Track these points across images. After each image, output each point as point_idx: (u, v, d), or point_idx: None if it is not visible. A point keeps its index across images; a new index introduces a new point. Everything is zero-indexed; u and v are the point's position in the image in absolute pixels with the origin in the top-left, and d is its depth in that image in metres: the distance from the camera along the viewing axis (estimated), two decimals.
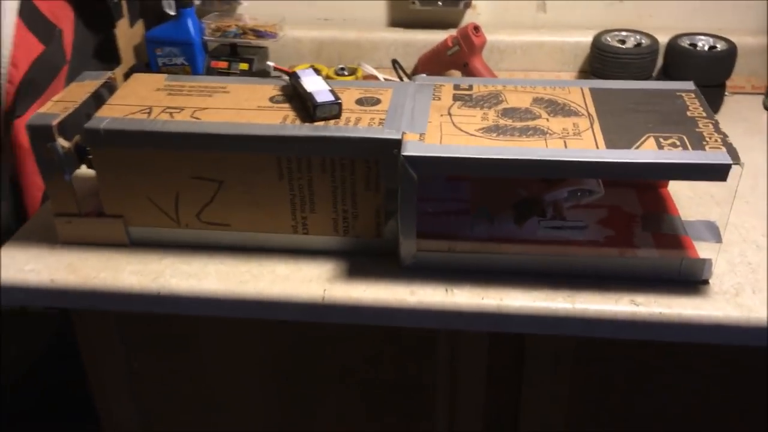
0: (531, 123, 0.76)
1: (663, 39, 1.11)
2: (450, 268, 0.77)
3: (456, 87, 0.85)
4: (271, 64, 0.86)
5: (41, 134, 0.77)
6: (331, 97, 0.77)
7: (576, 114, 0.78)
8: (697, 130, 0.74)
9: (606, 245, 0.81)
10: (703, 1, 1.17)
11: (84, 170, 0.82)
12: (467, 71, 1.11)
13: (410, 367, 0.87)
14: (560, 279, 0.76)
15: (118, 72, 1.12)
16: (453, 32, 1.12)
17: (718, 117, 0.84)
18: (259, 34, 1.12)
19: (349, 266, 0.79)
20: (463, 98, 0.82)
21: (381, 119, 0.77)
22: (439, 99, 0.82)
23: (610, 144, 0.72)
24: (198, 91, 0.83)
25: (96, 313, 0.87)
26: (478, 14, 1.21)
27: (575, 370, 0.84)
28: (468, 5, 1.18)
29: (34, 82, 1.03)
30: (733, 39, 1.10)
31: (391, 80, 1.14)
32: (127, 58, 1.13)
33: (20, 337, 1.64)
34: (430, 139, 0.73)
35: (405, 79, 1.15)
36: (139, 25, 1.17)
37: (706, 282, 0.76)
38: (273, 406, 0.93)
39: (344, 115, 0.77)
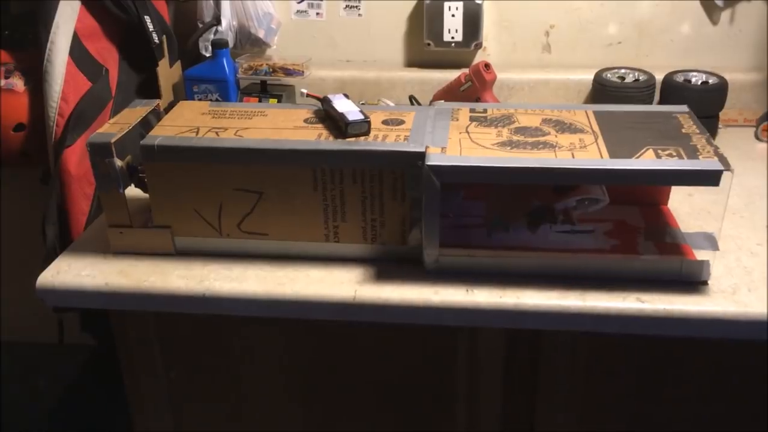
0: (541, 138, 0.84)
1: (659, 75, 1.21)
2: (470, 271, 0.85)
3: (472, 110, 0.93)
4: (304, 91, 0.94)
5: (101, 151, 0.85)
6: (361, 116, 0.85)
7: (581, 131, 0.86)
8: (691, 143, 0.82)
9: (613, 252, 0.88)
10: (695, 41, 1.27)
11: (132, 191, 0.91)
12: None
13: (430, 369, 0.93)
14: (571, 280, 0.83)
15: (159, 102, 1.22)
16: (465, 70, 1.21)
17: None
18: (287, 72, 1.22)
19: (377, 270, 0.87)
20: (479, 119, 0.90)
21: (406, 136, 0.85)
22: (457, 120, 0.90)
23: (614, 154, 0.80)
24: (239, 115, 0.92)
25: (136, 320, 0.94)
26: (488, 55, 1.31)
27: (589, 370, 0.90)
28: (479, 47, 1.28)
29: (83, 115, 1.13)
30: (725, 75, 1.19)
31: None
32: (166, 94, 1.22)
33: (53, 368, 1.70)
34: (451, 152, 0.82)
35: None
36: (177, 66, 1.27)
37: (705, 283, 0.83)
38: (299, 410, 0.99)
39: (372, 133, 0.86)
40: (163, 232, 0.89)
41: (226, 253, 0.90)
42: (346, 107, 0.87)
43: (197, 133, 0.87)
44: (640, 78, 1.20)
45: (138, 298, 0.85)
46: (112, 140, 0.85)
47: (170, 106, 1.24)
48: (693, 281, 0.83)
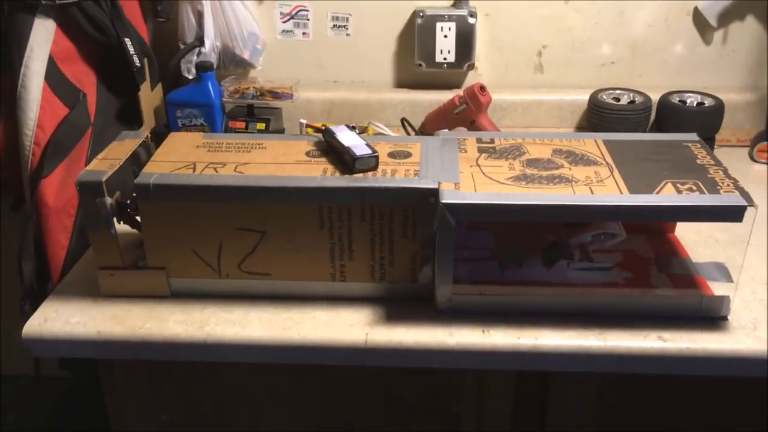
0: (555, 172, 0.82)
1: (653, 96, 1.19)
2: (483, 310, 0.81)
3: (479, 140, 0.90)
4: (303, 121, 0.90)
5: (91, 190, 0.80)
6: (368, 151, 0.81)
7: (595, 163, 0.84)
8: (709, 176, 0.80)
9: (627, 285, 0.86)
10: (688, 61, 1.26)
11: (119, 226, 0.85)
12: (474, 128, 1.18)
13: (438, 404, 0.90)
14: (589, 318, 0.80)
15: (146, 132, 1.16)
16: (459, 92, 1.18)
17: None
18: (275, 95, 1.17)
19: (386, 311, 0.83)
20: (488, 150, 0.87)
21: (415, 170, 0.81)
22: (466, 151, 0.87)
23: (633, 189, 0.77)
24: (236, 148, 0.87)
25: (126, 365, 0.88)
26: (479, 75, 1.28)
27: (598, 406, 0.88)
28: (471, 67, 1.25)
29: (60, 144, 1.06)
30: (719, 95, 1.18)
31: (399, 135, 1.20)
32: (148, 119, 1.17)
33: (28, 402, 1.62)
34: (465, 188, 0.78)
35: (413, 135, 1.21)
36: (158, 89, 1.21)
37: (725, 318, 0.81)
38: None
39: (380, 167, 0.82)
40: (158, 273, 0.84)
41: (226, 294, 0.85)
42: (351, 140, 0.83)
43: (194, 169, 0.82)
44: (636, 99, 1.19)
45: (133, 347, 0.80)
46: (104, 179, 0.80)
47: (153, 132, 1.20)
48: (713, 317, 0.81)
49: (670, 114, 1.16)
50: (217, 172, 0.82)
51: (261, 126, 1.17)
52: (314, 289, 0.84)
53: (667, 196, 0.76)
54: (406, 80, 1.29)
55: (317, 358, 0.80)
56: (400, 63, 1.27)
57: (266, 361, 0.81)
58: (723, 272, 0.89)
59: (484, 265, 0.88)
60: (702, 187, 0.78)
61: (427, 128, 1.24)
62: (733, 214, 0.75)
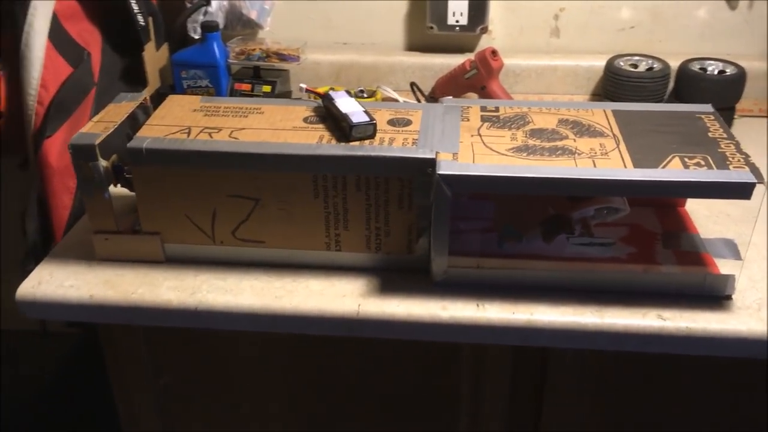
0: (559, 143, 0.79)
1: (673, 63, 1.15)
2: (480, 283, 0.80)
3: (483, 109, 0.87)
4: (303, 86, 0.88)
5: (84, 153, 0.79)
6: (366, 118, 0.79)
7: (602, 135, 0.81)
8: (719, 150, 0.77)
9: (630, 261, 0.83)
10: (711, 27, 1.20)
11: (117, 189, 0.84)
12: (484, 94, 1.14)
13: (434, 380, 0.89)
14: (587, 294, 0.78)
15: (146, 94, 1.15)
16: (470, 56, 1.15)
17: None
18: (282, 57, 1.14)
19: (381, 282, 0.81)
20: (491, 119, 0.85)
21: (414, 139, 0.79)
22: (468, 120, 0.84)
23: (638, 163, 0.74)
24: (233, 112, 0.86)
25: (124, 328, 0.89)
26: (493, 39, 1.24)
27: (598, 385, 0.86)
28: (484, 30, 1.21)
29: (63, 104, 1.05)
30: (741, 63, 1.13)
31: (408, 102, 1.17)
32: (153, 80, 1.15)
33: (37, 357, 1.65)
34: (464, 159, 0.76)
35: (422, 100, 1.18)
36: (164, 49, 1.20)
37: (729, 297, 0.78)
38: (296, 418, 0.94)
39: (378, 135, 0.80)
40: (152, 238, 0.83)
41: (220, 261, 0.84)
42: (350, 107, 0.81)
43: (189, 134, 0.81)
44: (654, 66, 1.14)
45: (125, 312, 0.80)
46: (97, 142, 0.79)
47: (158, 93, 1.18)
48: (716, 296, 0.78)
49: (689, 82, 1.12)
50: (211, 137, 0.80)
51: (267, 88, 1.15)
52: (309, 258, 0.83)
53: (673, 171, 0.73)
54: (417, 43, 1.25)
55: (308, 329, 0.79)
56: (411, 25, 1.24)
57: (258, 330, 0.80)
58: (732, 249, 0.86)
59: (484, 237, 0.86)
60: (711, 162, 0.74)
61: (438, 93, 1.21)
62: (741, 191, 0.72)
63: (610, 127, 0.82)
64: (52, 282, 0.82)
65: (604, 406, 0.88)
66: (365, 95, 1.18)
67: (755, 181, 0.71)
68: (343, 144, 0.78)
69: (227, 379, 0.92)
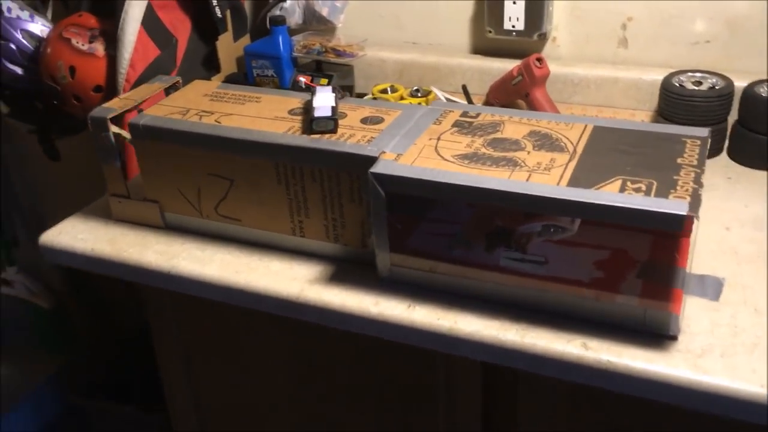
0: (510, 154, 0.77)
1: (742, 83, 1.04)
2: (422, 285, 0.80)
3: (464, 114, 0.87)
4: (302, 78, 0.94)
5: (98, 125, 0.91)
6: (328, 113, 0.83)
7: (561, 150, 0.77)
8: (674, 177, 0.71)
9: (587, 286, 0.79)
10: None
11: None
12: (528, 101, 1.12)
13: (412, 379, 0.91)
14: (522, 312, 0.76)
15: (216, 79, 1.27)
16: (520, 63, 1.13)
17: None
18: (338, 53, 1.20)
19: (333, 271, 0.85)
20: (462, 125, 0.84)
21: (372, 137, 0.82)
22: (439, 124, 0.85)
23: (573, 182, 0.71)
24: (235, 99, 0.93)
25: (155, 294, 1.01)
26: (557, 46, 1.20)
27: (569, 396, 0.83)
28: (543, 37, 1.18)
29: (145, 83, 1.20)
30: None
31: (457, 102, 1.18)
32: (227, 67, 1.27)
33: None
34: (405, 160, 0.77)
35: (477, 103, 1.18)
36: (245, 39, 1.31)
37: (674, 338, 0.72)
38: (287, 408, 1.01)
39: (343, 131, 0.83)
40: (153, 206, 0.94)
41: (207, 233, 0.92)
42: (322, 101, 0.85)
43: (185, 115, 0.90)
44: (717, 85, 1.04)
45: (115, 267, 0.91)
46: (109, 116, 0.91)
47: (227, 78, 1.30)
48: (659, 334, 0.72)
49: (752, 107, 1.01)
50: (200, 119, 0.89)
51: (324, 81, 1.21)
52: (277, 240, 0.89)
53: (600, 193, 0.69)
54: (480, 46, 1.25)
55: (255, 304, 0.85)
56: (474, 28, 1.24)
57: (219, 299, 0.87)
58: (714, 288, 0.79)
59: (444, 241, 0.86)
60: (653, 188, 0.69)
61: (490, 98, 1.20)
62: (668, 222, 0.66)
63: (577, 143, 0.79)
64: (70, 233, 0.95)
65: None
66: (420, 94, 1.21)
67: (685, 213, 0.65)
68: (304, 136, 0.83)
69: (240, 355, 1.02)
